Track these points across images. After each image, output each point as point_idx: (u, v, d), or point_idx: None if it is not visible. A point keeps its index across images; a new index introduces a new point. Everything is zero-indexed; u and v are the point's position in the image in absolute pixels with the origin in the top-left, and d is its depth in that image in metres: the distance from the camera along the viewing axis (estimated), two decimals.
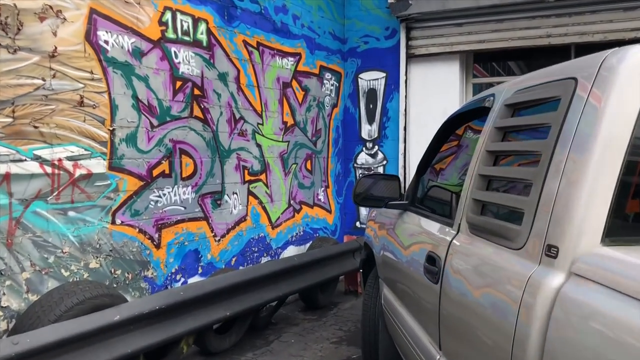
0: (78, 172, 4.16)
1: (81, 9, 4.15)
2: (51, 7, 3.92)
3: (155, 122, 4.81)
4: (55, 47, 3.96)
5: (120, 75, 4.48)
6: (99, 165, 4.32)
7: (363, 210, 7.66)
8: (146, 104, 4.72)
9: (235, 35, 5.71)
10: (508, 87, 2.49)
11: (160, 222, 4.89)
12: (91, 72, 4.24)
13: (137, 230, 4.67)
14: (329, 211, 7.46)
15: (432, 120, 7.03)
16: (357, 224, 7.70)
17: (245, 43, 5.86)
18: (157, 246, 4.86)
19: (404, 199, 3.63)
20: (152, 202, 4.80)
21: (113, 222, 4.46)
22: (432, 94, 7.11)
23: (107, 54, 4.36)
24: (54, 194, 3.99)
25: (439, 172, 3.32)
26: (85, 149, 4.21)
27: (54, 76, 3.95)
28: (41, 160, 3.90)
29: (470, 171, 2.47)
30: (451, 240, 2.48)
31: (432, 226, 2.89)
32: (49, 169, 3.95)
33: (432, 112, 7.10)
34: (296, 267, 5.52)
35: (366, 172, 7.60)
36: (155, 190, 4.82)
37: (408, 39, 7.19)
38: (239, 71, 5.76)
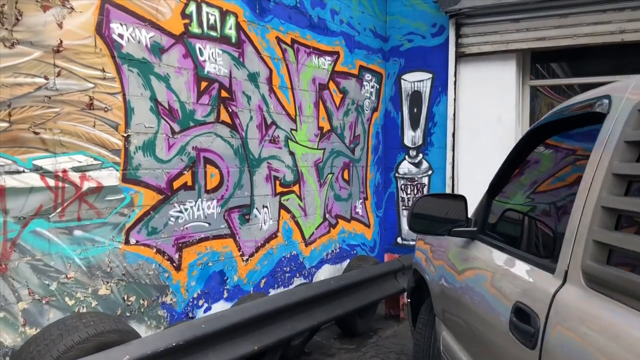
0: (86, 185, 3.62)
1: None
2: None
3: (176, 128, 4.25)
4: (61, 41, 3.42)
5: (137, 74, 3.93)
6: (110, 177, 3.77)
7: (405, 225, 6.98)
8: (167, 107, 4.16)
9: (267, 31, 5.12)
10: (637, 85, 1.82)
11: (181, 241, 4.32)
12: (103, 70, 3.69)
13: (155, 250, 4.11)
14: (368, 225, 6.81)
15: (485, 126, 6.37)
16: (399, 239, 7.03)
17: (279, 40, 5.27)
18: (178, 268, 4.30)
19: (471, 224, 2.97)
20: (172, 218, 4.23)
21: (127, 242, 3.90)
22: (485, 97, 6.41)
23: (122, 50, 3.82)
24: (58, 211, 3.45)
25: (524, 195, 2.65)
26: (95, 159, 3.67)
27: (58, 74, 3.41)
28: (42, 172, 3.36)
29: (582, 200, 1.80)
30: (555, 293, 1.82)
31: (517, 266, 2.23)
32: (51, 182, 3.41)
33: (485, 117, 6.41)
34: (332, 291, 4.88)
35: (408, 183, 6.93)
36: (175, 204, 4.26)
37: (458, 36, 6.50)
38: (271, 71, 5.17)
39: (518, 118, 6.35)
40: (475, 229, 2.92)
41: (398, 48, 6.96)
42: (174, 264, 4.27)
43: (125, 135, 3.86)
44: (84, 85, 3.57)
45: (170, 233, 4.22)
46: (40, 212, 3.36)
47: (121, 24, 3.81)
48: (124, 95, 3.84)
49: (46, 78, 3.35)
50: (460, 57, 6.52)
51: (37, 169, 3.32)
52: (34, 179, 3.31)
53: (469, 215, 3.00)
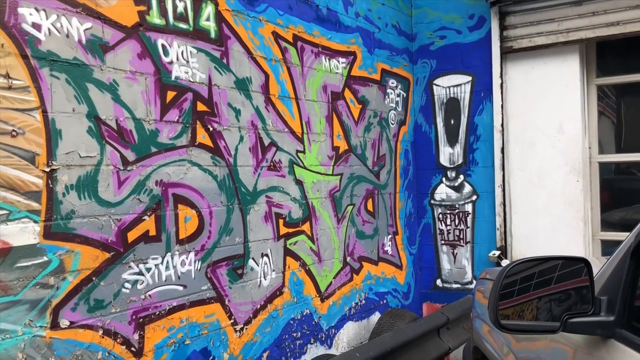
0: None
1: None
2: None
3: (130, 156, 3.02)
4: None
5: (66, 82, 2.73)
6: (24, 233, 2.55)
7: (446, 263, 5.65)
8: (114, 127, 2.95)
9: (260, 24, 3.91)
10: None
11: (143, 315, 3.07)
12: (7, 77, 2.50)
13: (101, 332, 2.86)
14: (399, 267, 5.49)
15: (542, 138, 5.07)
16: (438, 281, 5.69)
17: (277, 36, 4.05)
18: (138, 354, 3.04)
19: (601, 309, 1.66)
20: (127, 285, 2.99)
21: (54, 326, 2.66)
22: (541, 102, 5.10)
23: (39, 47, 2.62)
24: None
25: None
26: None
27: None
28: None
29: None
30: None
31: None
32: None
33: (542, 127, 5.10)
34: None
35: (447, 211, 5.60)
36: (132, 264, 3.02)
37: (502, 28, 5.23)
38: (267, 76, 3.94)
39: (584, 126, 5.02)
40: (611, 318, 1.63)
41: (428, 47, 5.70)
42: (133, 349, 3.01)
43: (48, 170, 2.65)
44: None
45: (124, 306, 2.97)
46: None
47: (37, 10, 2.62)
48: (44, 112, 2.64)
49: None
50: (506, 53, 5.23)
51: None
52: None
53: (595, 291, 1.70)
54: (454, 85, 5.55)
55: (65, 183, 2.72)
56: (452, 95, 5.57)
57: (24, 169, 2.56)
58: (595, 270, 1.78)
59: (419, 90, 5.75)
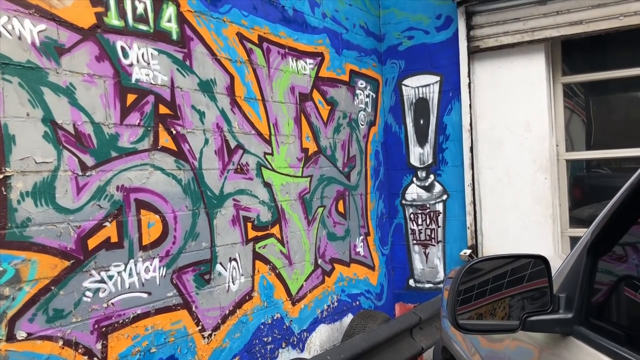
0: None
1: None
2: None
3: (89, 161, 2.95)
4: None
5: (18, 86, 2.65)
6: None
7: (418, 263, 5.65)
8: (71, 131, 2.87)
9: (224, 25, 3.85)
10: None
11: (105, 324, 2.99)
12: None
13: (61, 343, 2.78)
14: (372, 267, 5.47)
15: (511, 136, 5.11)
16: (411, 281, 5.68)
17: (241, 37, 4.00)
18: None
19: (559, 306, 1.65)
20: (88, 293, 2.91)
21: (10, 338, 2.57)
22: (508, 100, 5.13)
23: None
24: None
25: None
26: None
27: None
28: None
29: None
30: None
31: None
32: None
33: (510, 125, 5.14)
34: None
35: (418, 211, 5.60)
36: (93, 272, 2.94)
37: (469, 27, 5.25)
38: (232, 78, 3.89)
39: (551, 124, 5.06)
40: (569, 315, 1.62)
41: (396, 47, 5.70)
42: (95, 358, 2.93)
43: (1, 176, 2.56)
44: None
45: (86, 315, 2.89)
46: None
47: None
48: None
49: None
50: (474, 52, 5.25)
51: None
52: None
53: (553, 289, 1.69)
54: (422, 85, 5.56)
55: (20, 190, 2.63)
56: (421, 96, 5.57)
57: None
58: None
59: (388, 90, 5.74)
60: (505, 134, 5.15)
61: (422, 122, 5.58)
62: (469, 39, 5.25)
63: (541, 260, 1.68)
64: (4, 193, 2.57)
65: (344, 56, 5.16)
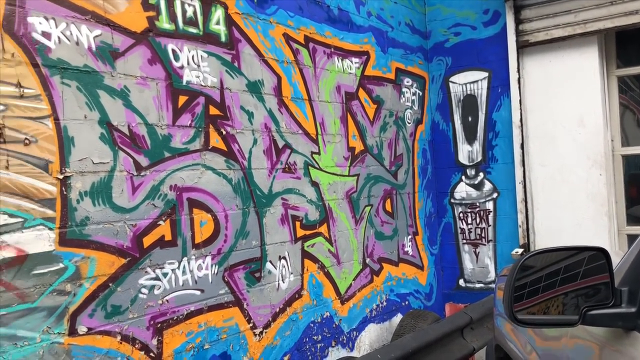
0: None
1: None
2: None
3: (144, 162, 3.03)
4: None
5: (77, 89, 2.75)
6: (40, 240, 2.57)
7: (468, 262, 5.56)
8: (126, 133, 2.96)
9: (271, 26, 3.90)
10: None
11: (161, 320, 3.07)
12: (18, 85, 2.52)
13: (119, 338, 2.86)
14: (421, 267, 5.42)
15: (563, 132, 4.98)
16: (461, 281, 5.60)
17: (288, 37, 4.03)
18: (158, 358, 3.03)
19: (621, 300, 1.60)
20: (143, 290, 2.99)
21: (72, 332, 2.67)
22: (560, 95, 5.00)
23: (49, 55, 2.64)
24: None
25: None
26: (12, 215, 2.47)
27: None
28: None
29: None
30: None
31: None
32: None
33: (562, 121, 5.00)
34: None
35: (467, 210, 5.51)
36: (148, 269, 3.02)
37: (518, 22, 5.14)
38: (279, 78, 3.93)
39: (606, 118, 4.90)
40: (632, 309, 1.56)
41: (442, 44, 5.63)
42: (152, 354, 3.01)
43: (62, 177, 2.66)
44: None
45: (142, 311, 2.97)
46: None
47: (47, 18, 2.64)
48: (56, 119, 2.66)
49: None
50: (523, 47, 5.14)
51: None
52: None
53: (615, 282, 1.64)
54: (470, 81, 5.47)
55: (79, 190, 2.73)
56: (469, 92, 5.49)
57: (37, 177, 2.58)
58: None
59: (435, 88, 5.68)
60: (558, 130, 5.02)
61: (470, 119, 5.49)
62: (518, 33, 5.15)
63: (601, 253, 1.63)
64: (65, 193, 2.67)
65: (389, 54, 5.14)
